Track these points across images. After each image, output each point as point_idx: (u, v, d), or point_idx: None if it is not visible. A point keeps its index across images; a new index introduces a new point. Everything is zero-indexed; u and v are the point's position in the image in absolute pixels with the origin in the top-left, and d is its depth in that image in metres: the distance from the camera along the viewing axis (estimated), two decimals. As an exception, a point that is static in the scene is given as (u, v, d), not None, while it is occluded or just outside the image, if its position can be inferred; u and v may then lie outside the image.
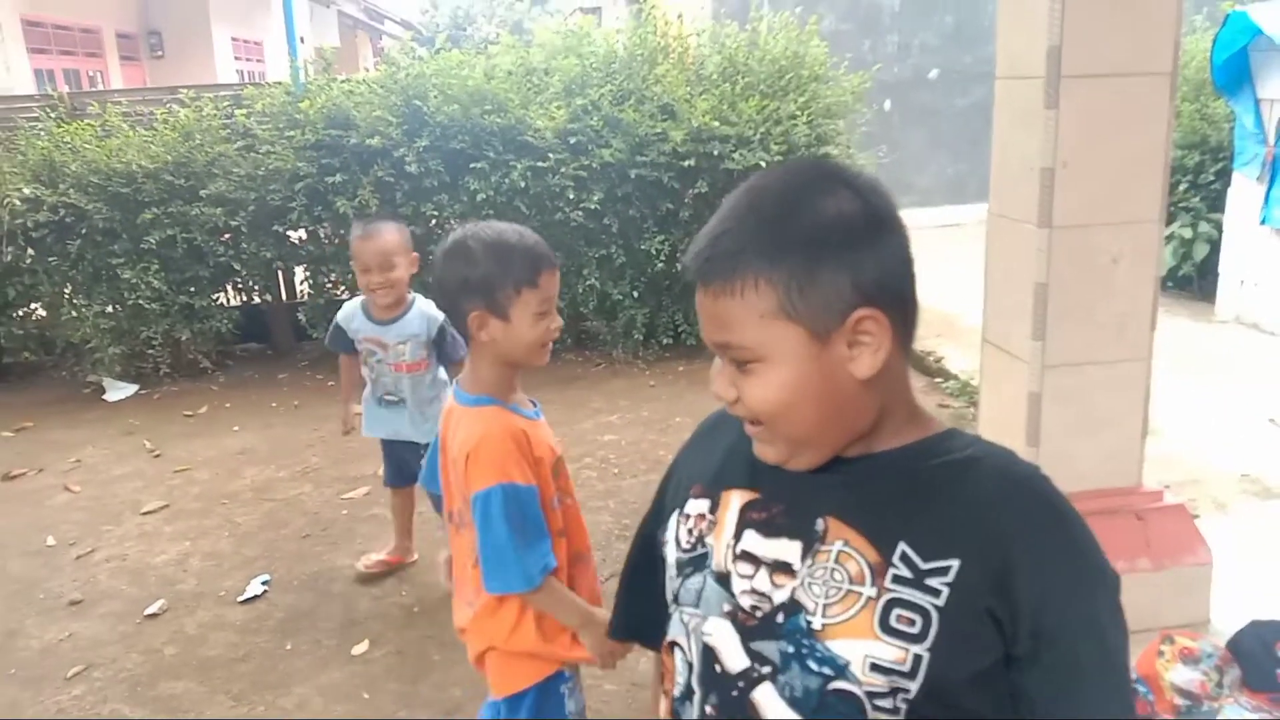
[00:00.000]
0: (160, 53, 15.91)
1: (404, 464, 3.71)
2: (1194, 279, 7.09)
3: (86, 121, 6.46)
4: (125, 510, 4.59)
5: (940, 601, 0.94)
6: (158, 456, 5.26)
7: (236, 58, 17.31)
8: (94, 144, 6.18)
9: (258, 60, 18.59)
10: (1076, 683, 0.95)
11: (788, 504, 1.04)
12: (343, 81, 6.58)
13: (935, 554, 0.96)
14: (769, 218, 0.98)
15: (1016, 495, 0.99)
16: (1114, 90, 2.36)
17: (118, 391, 6.31)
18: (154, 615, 3.65)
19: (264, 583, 3.81)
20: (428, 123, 5.98)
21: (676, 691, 1.11)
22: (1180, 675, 2.24)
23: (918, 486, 1.01)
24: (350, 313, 3.59)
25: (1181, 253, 6.99)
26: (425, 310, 3.46)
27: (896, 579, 0.96)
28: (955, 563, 0.95)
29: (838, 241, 0.97)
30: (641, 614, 1.26)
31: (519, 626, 1.90)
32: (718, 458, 1.14)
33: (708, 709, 1.05)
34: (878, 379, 1.01)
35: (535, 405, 1.96)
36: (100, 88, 13.45)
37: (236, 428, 5.65)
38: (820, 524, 1.01)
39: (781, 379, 0.98)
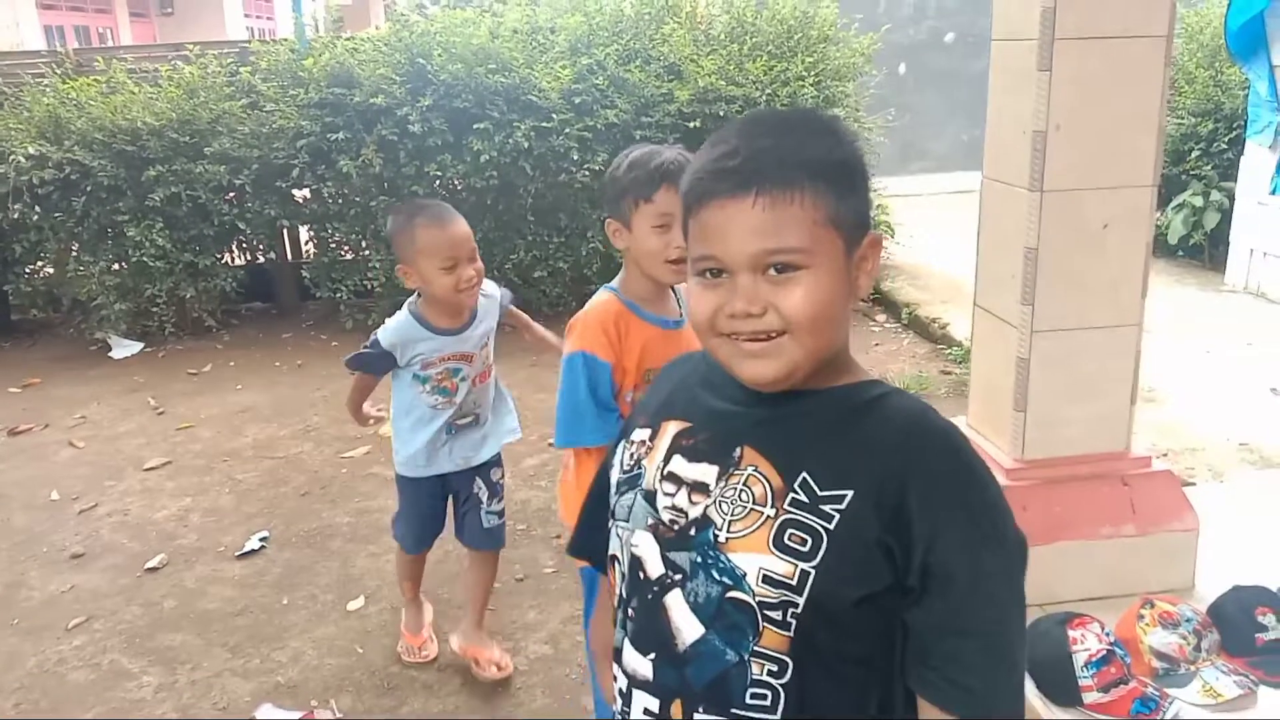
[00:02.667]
0: (170, 9, 15.83)
1: (439, 512, 3.00)
2: (1204, 248, 7.03)
3: (92, 78, 6.45)
4: (128, 466, 4.64)
5: (831, 525, 1.03)
6: (161, 414, 5.30)
7: (246, 15, 17.23)
8: (99, 101, 6.19)
9: (268, 17, 18.48)
10: (951, 631, 1.03)
11: (713, 433, 1.14)
12: (346, 39, 6.54)
13: (832, 484, 1.05)
14: (806, 137, 1.07)
15: (922, 443, 1.07)
16: (1108, 53, 2.33)
17: (123, 349, 6.36)
18: (154, 569, 3.70)
19: (262, 539, 3.86)
20: (431, 81, 5.95)
21: (616, 601, 1.21)
22: (1159, 639, 2.26)
23: (830, 424, 1.10)
24: (405, 333, 2.72)
25: (1192, 221, 6.91)
26: (489, 291, 2.84)
27: (794, 503, 1.05)
28: (849, 493, 1.04)
29: (860, 168, 1.10)
30: (594, 539, 1.35)
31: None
32: (665, 392, 1.26)
33: (630, 611, 1.16)
34: (849, 312, 1.13)
35: (677, 321, 2.09)
36: (110, 44, 13.40)
37: (240, 386, 5.69)
38: (737, 451, 1.11)
39: (822, 285, 1.05)
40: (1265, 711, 2.19)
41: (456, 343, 2.74)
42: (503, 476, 3.03)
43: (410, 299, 2.78)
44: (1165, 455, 4.10)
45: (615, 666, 1.18)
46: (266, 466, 4.57)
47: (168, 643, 3.25)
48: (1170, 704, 2.15)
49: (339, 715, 2.88)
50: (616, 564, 1.21)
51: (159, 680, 3.06)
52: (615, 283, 2.14)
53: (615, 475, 1.24)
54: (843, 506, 1.03)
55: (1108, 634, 2.23)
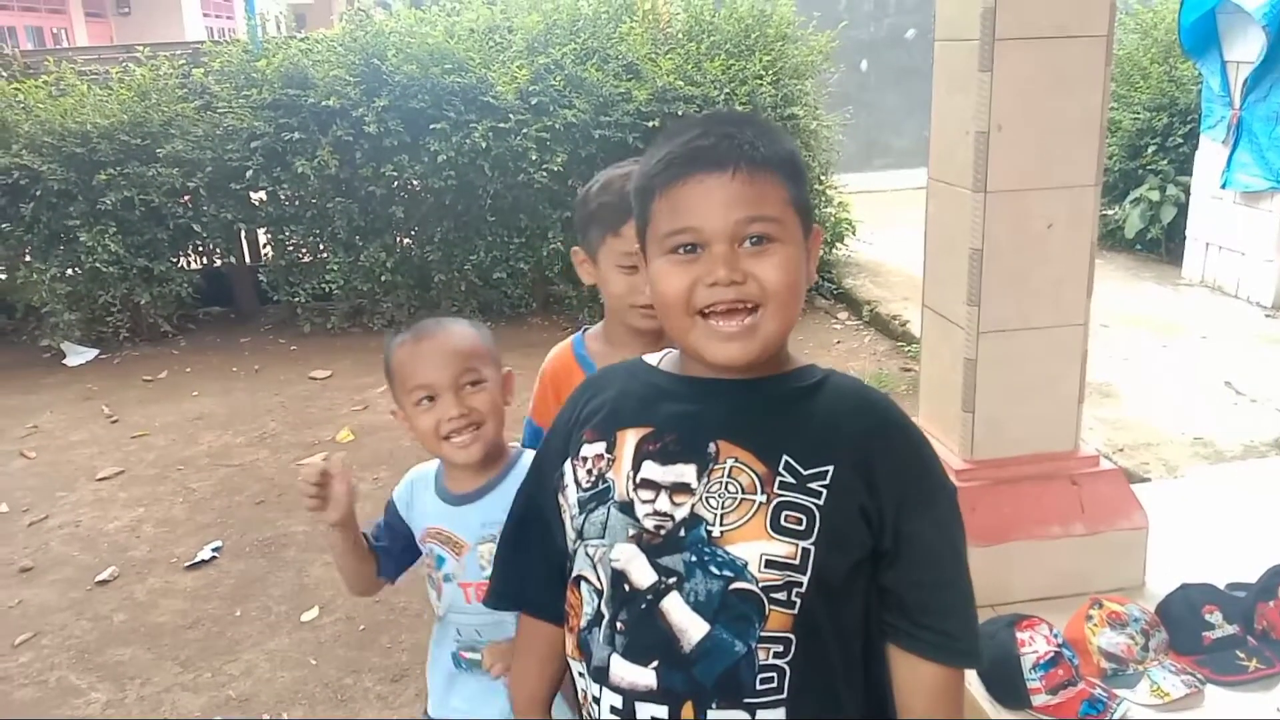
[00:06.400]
0: (126, 9, 15.62)
1: None
2: (1161, 242, 7.08)
3: (43, 79, 6.34)
4: (80, 476, 4.57)
5: (820, 501, 1.09)
6: (115, 422, 5.22)
7: (206, 14, 17.03)
8: (47, 103, 6.08)
9: (227, 17, 18.27)
10: (930, 574, 1.15)
11: (679, 433, 1.15)
12: (301, 40, 6.47)
13: (813, 462, 1.11)
14: (761, 131, 1.14)
15: (873, 415, 1.17)
16: (1049, 53, 2.33)
17: (77, 356, 6.26)
18: (104, 582, 3.65)
19: (215, 549, 3.80)
20: (387, 82, 5.90)
21: (583, 623, 1.18)
22: (1107, 639, 2.26)
23: (790, 407, 1.16)
24: (411, 482, 1.80)
25: (1149, 215, 6.97)
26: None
27: (783, 485, 1.10)
28: (830, 468, 1.11)
29: (802, 166, 1.18)
30: (521, 581, 1.33)
31: None
32: (606, 406, 1.23)
33: (618, 625, 1.14)
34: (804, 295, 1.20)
35: None
36: (64, 45, 13.20)
37: (195, 393, 5.61)
38: (712, 447, 1.13)
39: (792, 259, 1.12)
40: (1212, 710, 2.20)
41: (448, 515, 1.72)
42: None
43: None
44: (1121, 450, 4.12)
45: (598, 687, 1.15)
46: (221, 475, 4.51)
47: (117, 657, 3.20)
48: (1118, 704, 2.16)
49: (289, 729, 2.84)
50: (585, 584, 1.18)
51: (108, 696, 3.02)
52: (596, 327, 1.89)
53: (574, 495, 1.20)
54: (828, 481, 1.10)
55: (1056, 635, 2.23)
